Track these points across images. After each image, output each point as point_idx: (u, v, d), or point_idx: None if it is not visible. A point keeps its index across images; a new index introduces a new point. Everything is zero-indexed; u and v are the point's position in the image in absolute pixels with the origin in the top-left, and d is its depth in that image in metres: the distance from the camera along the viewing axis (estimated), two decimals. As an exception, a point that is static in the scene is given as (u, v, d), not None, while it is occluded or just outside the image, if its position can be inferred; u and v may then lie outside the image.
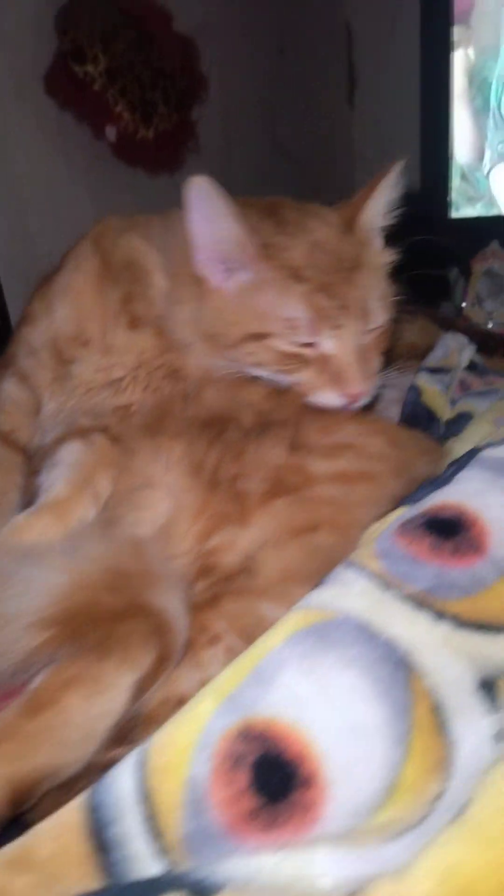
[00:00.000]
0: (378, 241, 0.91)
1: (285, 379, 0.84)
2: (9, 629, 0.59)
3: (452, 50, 2.61)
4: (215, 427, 0.81)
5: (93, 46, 1.91)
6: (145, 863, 0.45)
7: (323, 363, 0.82)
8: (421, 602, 0.54)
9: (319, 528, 0.69)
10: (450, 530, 0.59)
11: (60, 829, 0.46)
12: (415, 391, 1.00)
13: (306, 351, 0.82)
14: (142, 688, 0.62)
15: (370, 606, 0.54)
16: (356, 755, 0.47)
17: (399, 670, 0.50)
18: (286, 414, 0.83)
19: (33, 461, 0.92)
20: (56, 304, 0.92)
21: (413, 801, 0.44)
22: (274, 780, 0.46)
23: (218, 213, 0.77)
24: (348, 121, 2.80)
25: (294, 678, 0.50)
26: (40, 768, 0.57)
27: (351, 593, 0.55)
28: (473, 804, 0.38)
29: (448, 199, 2.69)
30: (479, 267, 2.15)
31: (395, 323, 1.23)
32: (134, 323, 0.89)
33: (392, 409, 1.05)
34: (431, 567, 0.56)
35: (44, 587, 0.62)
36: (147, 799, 0.47)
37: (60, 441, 0.89)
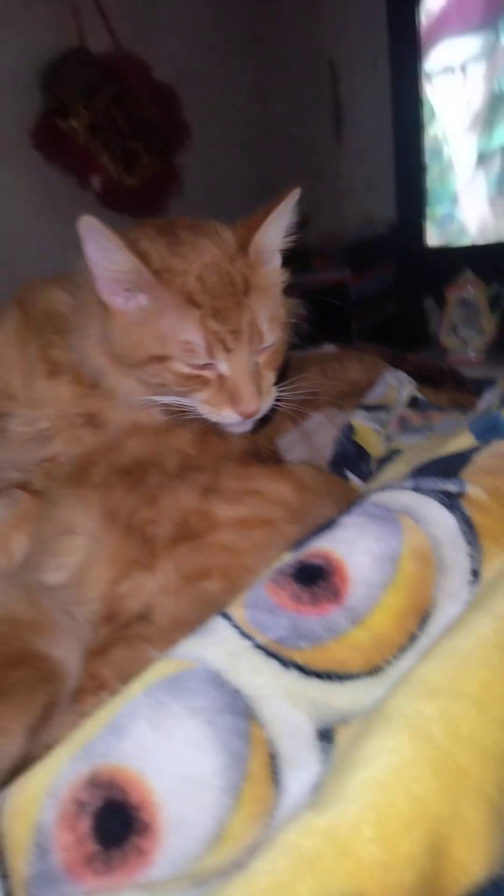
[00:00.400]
0: (273, 263, 0.95)
1: (186, 399, 0.89)
2: None
3: (420, 80, 2.63)
4: (136, 473, 0.85)
5: (75, 102, 2.01)
6: (-9, 904, 0.48)
7: (220, 383, 0.87)
8: (271, 651, 0.56)
9: (211, 575, 0.72)
10: (312, 578, 0.61)
11: None
12: (348, 429, 1.03)
13: (205, 372, 0.87)
14: (33, 732, 0.65)
15: (224, 656, 0.57)
16: (189, 804, 0.49)
17: (240, 720, 0.53)
18: (208, 460, 0.87)
19: None
20: None
21: (232, 850, 0.47)
22: (114, 825, 0.49)
23: (109, 246, 0.81)
24: (336, 156, 2.85)
25: (144, 728, 0.53)
26: None
27: (210, 642, 0.58)
28: (256, 856, 0.41)
29: (423, 228, 2.70)
30: (453, 296, 2.17)
31: (339, 361, 1.27)
32: (52, 371, 0.95)
33: (330, 447, 1.08)
34: (287, 615, 0.59)
35: None
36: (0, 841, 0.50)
37: None
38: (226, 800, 0.49)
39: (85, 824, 0.50)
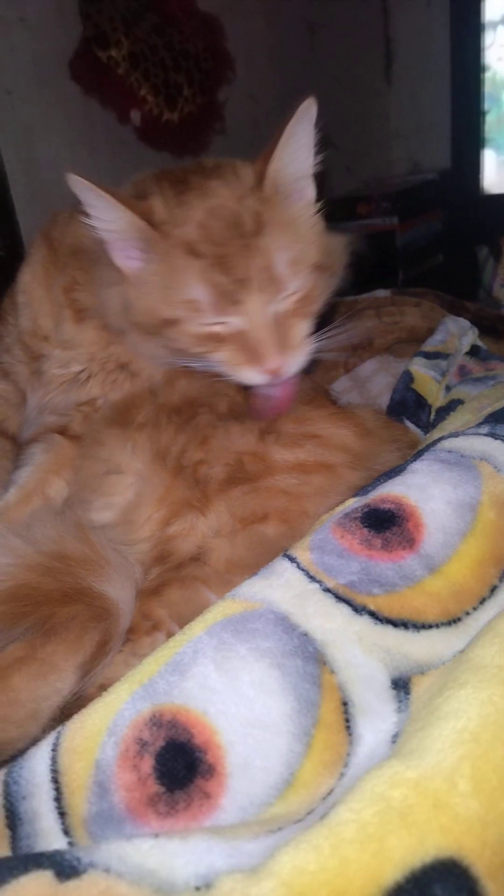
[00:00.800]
0: (301, 193, 0.81)
1: (207, 361, 0.79)
2: None
3: (484, 23, 2.50)
4: (185, 412, 0.81)
5: (115, 30, 1.92)
6: (50, 839, 0.47)
7: (238, 340, 0.76)
8: (342, 595, 0.54)
9: (269, 519, 0.69)
10: (384, 523, 0.58)
11: (-21, 803, 0.49)
12: (406, 376, 0.98)
13: (219, 329, 0.76)
14: (85, 670, 0.63)
15: (292, 598, 0.54)
16: (257, 748, 0.47)
17: (310, 664, 0.50)
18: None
19: (21, 451, 0.95)
20: (16, 301, 0.94)
21: (304, 799, 0.45)
22: (178, 766, 0.47)
23: (101, 204, 0.74)
24: (385, 98, 2.72)
25: (208, 668, 0.51)
26: (-14, 743, 0.60)
27: (276, 584, 0.56)
28: (338, 805, 0.38)
29: (479, 176, 2.59)
30: (509, 246, 2.08)
31: (396, 306, 1.21)
32: (78, 316, 0.88)
33: (385, 396, 1.04)
34: (358, 560, 0.56)
35: (-12, 568, 0.64)
36: (57, 778, 0.49)
37: (29, 441, 0.91)
38: (296, 746, 0.47)
39: (147, 764, 0.48)
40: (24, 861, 0.40)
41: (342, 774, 0.45)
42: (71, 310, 0.89)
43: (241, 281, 0.73)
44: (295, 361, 0.77)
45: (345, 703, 0.49)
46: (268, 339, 0.75)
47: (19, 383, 0.96)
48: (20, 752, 0.62)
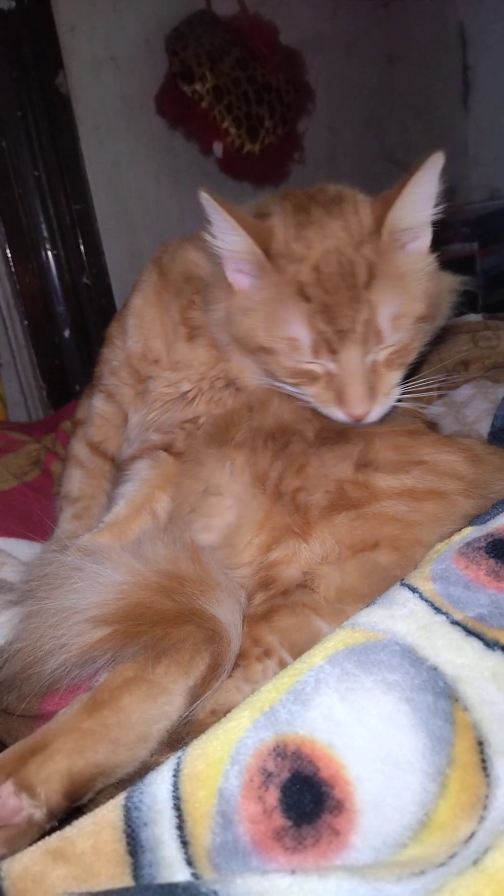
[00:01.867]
0: (418, 242, 0.81)
1: (297, 391, 0.81)
2: (70, 622, 0.62)
3: None
4: (280, 439, 0.81)
5: (200, 66, 1.97)
6: (173, 868, 0.46)
7: (330, 381, 0.78)
8: (472, 629, 0.51)
9: (380, 546, 0.67)
10: (512, 555, 0.56)
11: (99, 826, 0.48)
12: (507, 404, 0.95)
13: (313, 367, 0.78)
14: (195, 694, 0.63)
15: (417, 630, 0.52)
16: (389, 786, 0.45)
17: (441, 700, 0.48)
18: (356, 430, 0.82)
19: (122, 470, 0.97)
20: (126, 325, 0.97)
21: (442, 841, 0.42)
22: (304, 800, 0.46)
23: (223, 225, 0.76)
24: (462, 124, 2.71)
25: (332, 699, 0.50)
26: (96, 764, 0.60)
27: (399, 615, 0.54)
28: (493, 851, 0.36)
29: None
30: None
31: (492, 330, 1.19)
32: (191, 335, 0.90)
33: (484, 422, 1.01)
34: (486, 593, 0.54)
35: (104, 585, 0.64)
36: (179, 806, 0.48)
37: (133, 458, 0.92)
38: (430, 785, 0.45)
39: (273, 796, 0.47)
40: (160, 892, 0.39)
41: (482, 818, 0.43)
42: (185, 328, 0.91)
43: (343, 332, 0.75)
44: (380, 410, 0.79)
45: (480, 743, 0.46)
46: (358, 388, 0.77)
47: (123, 405, 0.98)
48: (128, 777, 0.63)
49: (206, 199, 0.75)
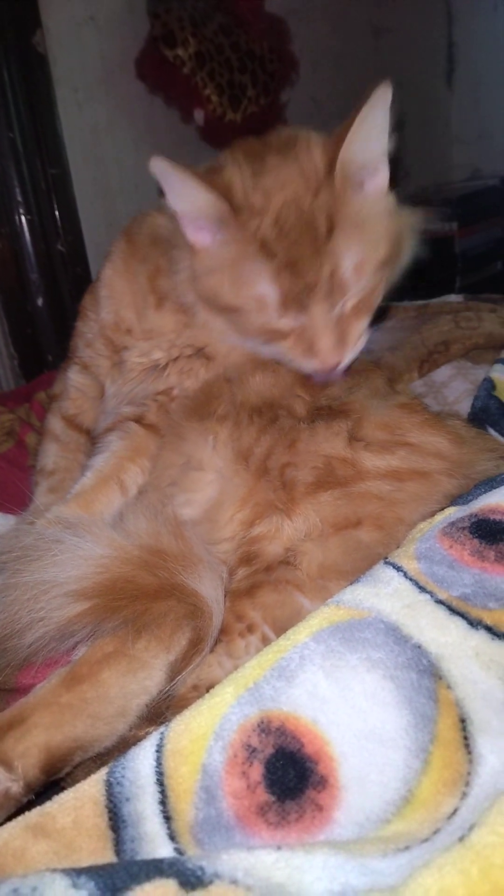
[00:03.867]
0: (376, 178, 0.78)
1: (269, 347, 0.80)
2: (49, 595, 0.61)
3: None
4: (267, 414, 0.80)
5: (183, 30, 1.92)
6: (156, 843, 0.46)
7: (299, 335, 0.77)
8: (455, 608, 0.52)
9: (363, 524, 0.67)
10: (497, 535, 0.56)
11: (80, 801, 0.48)
12: (488, 383, 0.95)
13: (281, 325, 0.77)
14: (176, 669, 0.62)
15: (402, 608, 0.52)
16: (372, 762, 0.46)
17: (425, 678, 0.48)
18: (350, 405, 0.81)
19: (95, 443, 0.95)
20: (98, 296, 0.95)
21: (425, 817, 0.43)
22: (288, 776, 0.46)
23: (183, 186, 0.74)
24: (446, 103, 2.69)
25: (316, 676, 0.50)
26: (74, 739, 0.59)
27: (384, 593, 0.54)
28: (480, 828, 0.37)
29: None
30: None
31: (474, 311, 1.19)
32: (159, 303, 0.89)
33: (463, 403, 1.01)
34: (471, 572, 0.54)
35: (84, 558, 0.63)
36: (162, 781, 0.48)
37: (106, 430, 0.91)
38: (413, 762, 0.45)
39: (257, 771, 0.47)
40: (145, 868, 0.39)
41: (465, 794, 0.43)
42: (154, 296, 0.89)
43: (310, 286, 0.74)
44: (350, 357, 0.80)
45: (462, 720, 0.47)
46: (327, 339, 0.77)
47: (99, 376, 0.96)
48: (106, 750, 0.62)
49: (157, 165, 0.73)
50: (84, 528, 0.67)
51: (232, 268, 0.77)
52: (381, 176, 0.79)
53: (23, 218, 1.76)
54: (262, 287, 0.75)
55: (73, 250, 1.84)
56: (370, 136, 0.75)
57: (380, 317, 0.86)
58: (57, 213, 1.81)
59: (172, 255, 0.85)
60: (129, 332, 0.92)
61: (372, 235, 0.76)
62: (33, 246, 1.78)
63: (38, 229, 1.78)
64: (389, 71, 2.48)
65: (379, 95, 0.73)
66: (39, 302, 1.81)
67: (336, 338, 0.77)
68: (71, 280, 1.82)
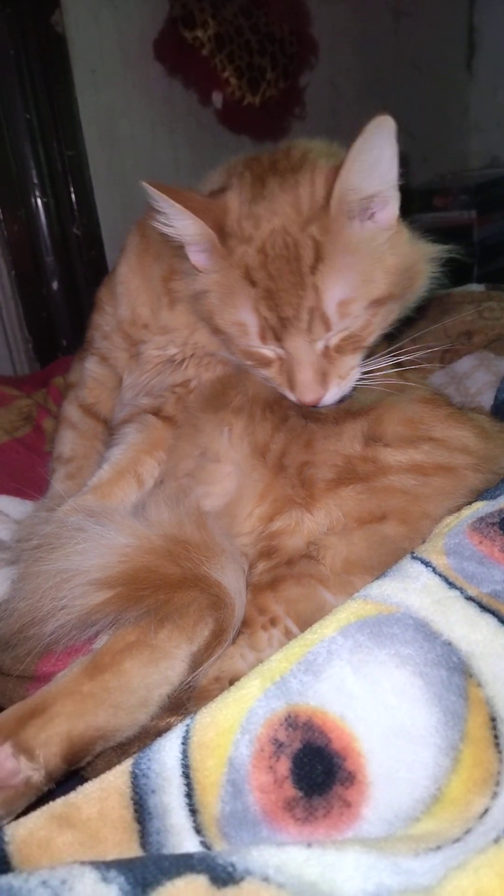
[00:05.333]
0: (372, 212, 0.73)
1: (256, 372, 0.79)
2: (72, 583, 0.61)
3: None
4: (278, 411, 0.79)
5: (202, 11, 1.90)
6: (181, 836, 0.45)
7: (283, 365, 0.75)
8: (486, 605, 0.51)
9: (387, 519, 0.66)
10: (526, 532, 0.55)
11: (105, 792, 0.47)
12: (512, 377, 0.95)
13: (265, 352, 0.76)
14: (198, 660, 0.62)
15: (431, 604, 0.52)
16: (401, 759, 0.45)
17: (455, 675, 0.48)
18: (366, 405, 0.80)
19: (113, 434, 0.95)
20: (114, 292, 0.94)
21: (455, 816, 0.42)
22: (316, 771, 0.46)
23: (173, 211, 0.72)
24: (466, 89, 2.65)
25: (344, 671, 0.49)
26: (96, 728, 0.59)
27: (413, 588, 0.53)
28: (517, 829, 0.36)
29: None
30: None
31: (497, 301, 1.17)
32: (172, 304, 0.88)
33: (486, 395, 1.00)
34: (502, 569, 0.53)
35: (107, 547, 0.63)
36: (188, 774, 0.47)
37: (123, 422, 0.91)
38: (443, 760, 0.45)
39: (284, 766, 0.46)
40: (175, 862, 0.39)
41: (496, 794, 0.43)
42: (167, 297, 0.89)
43: (287, 320, 0.72)
44: (335, 394, 0.75)
45: (493, 719, 0.46)
46: (305, 374, 0.73)
47: (117, 368, 0.96)
48: (127, 740, 0.62)
49: (148, 188, 0.71)
50: (106, 517, 0.66)
51: (220, 292, 0.76)
52: (389, 209, 0.74)
53: (38, 200, 1.74)
54: (244, 314, 0.74)
55: (88, 234, 1.82)
56: (371, 167, 0.70)
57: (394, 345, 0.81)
58: (73, 195, 1.79)
59: (184, 267, 0.83)
60: (145, 327, 0.92)
61: (364, 272, 0.72)
62: (48, 229, 1.77)
63: (54, 212, 1.77)
64: (408, 55, 2.46)
65: (373, 128, 0.68)
66: (54, 285, 1.79)
67: (316, 373, 0.73)
68: (86, 264, 1.81)
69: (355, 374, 0.77)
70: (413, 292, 0.79)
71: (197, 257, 0.77)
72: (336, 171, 0.70)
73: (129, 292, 0.93)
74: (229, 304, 0.75)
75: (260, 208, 0.73)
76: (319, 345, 0.74)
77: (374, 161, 0.70)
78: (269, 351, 0.75)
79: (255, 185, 0.75)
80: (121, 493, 0.84)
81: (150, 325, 0.91)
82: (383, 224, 0.74)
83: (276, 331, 0.72)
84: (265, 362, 0.77)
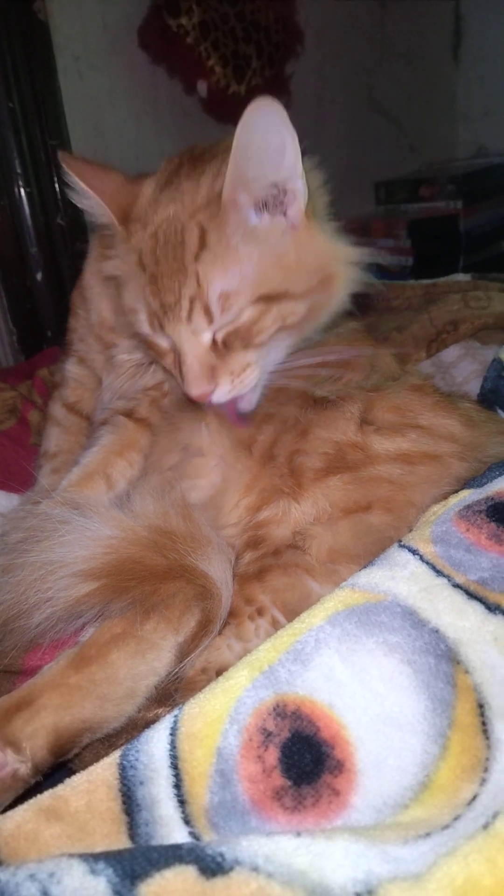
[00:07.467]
0: (268, 205, 0.70)
1: (159, 364, 0.80)
2: (56, 575, 0.60)
3: None
4: (258, 415, 0.78)
5: (187, -2, 1.87)
6: (170, 827, 0.45)
7: (174, 356, 0.74)
8: (473, 593, 0.51)
9: (373, 508, 0.66)
10: (513, 519, 0.55)
11: (93, 784, 0.47)
12: (497, 364, 0.94)
13: (158, 341, 0.75)
14: (184, 651, 0.62)
15: (419, 592, 0.52)
16: (390, 747, 0.45)
17: (443, 663, 0.48)
18: (357, 391, 0.80)
19: (92, 434, 0.95)
20: (84, 295, 0.96)
21: (444, 803, 0.42)
22: (304, 760, 0.46)
23: (80, 190, 0.75)
24: (452, 78, 2.64)
25: (332, 659, 0.49)
26: (83, 720, 0.59)
27: (400, 576, 0.53)
28: (503, 816, 0.36)
29: None
30: None
31: (483, 291, 1.17)
32: None
33: (472, 384, 1.00)
34: (489, 556, 0.53)
35: (92, 539, 0.62)
36: (177, 765, 0.47)
37: (99, 424, 0.91)
38: (431, 747, 0.45)
39: (272, 756, 0.46)
40: (164, 854, 0.38)
41: (484, 780, 0.43)
42: None
43: (168, 307, 0.70)
44: (225, 392, 0.73)
45: (480, 706, 0.46)
46: (192, 368, 0.71)
47: (95, 369, 0.98)
48: (115, 731, 0.62)
49: (62, 158, 0.73)
50: (91, 509, 0.66)
51: (122, 277, 0.77)
52: (296, 203, 0.71)
53: (22, 190, 1.72)
54: (136, 300, 0.74)
55: (73, 224, 1.80)
56: (257, 155, 0.66)
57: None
58: (57, 185, 1.77)
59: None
60: (112, 331, 0.93)
61: (258, 265, 0.70)
62: (32, 219, 1.75)
63: (38, 202, 1.75)
64: (395, 43, 2.44)
65: (253, 112, 0.63)
66: (39, 276, 1.78)
67: (203, 367, 0.71)
68: (71, 255, 1.79)
69: (252, 373, 0.73)
70: (329, 295, 0.77)
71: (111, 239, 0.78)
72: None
73: (94, 297, 0.94)
74: (127, 290, 0.75)
75: (164, 195, 0.73)
76: (205, 337, 0.71)
77: (260, 148, 0.65)
78: (162, 340, 0.75)
79: (173, 172, 0.75)
80: (90, 494, 0.83)
81: (116, 328, 0.92)
82: (290, 219, 0.72)
83: (159, 318, 0.72)
84: (161, 353, 0.77)
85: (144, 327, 0.75)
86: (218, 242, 0.69)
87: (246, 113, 0.63)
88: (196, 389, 0.71)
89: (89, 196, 0.74)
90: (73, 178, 0.74)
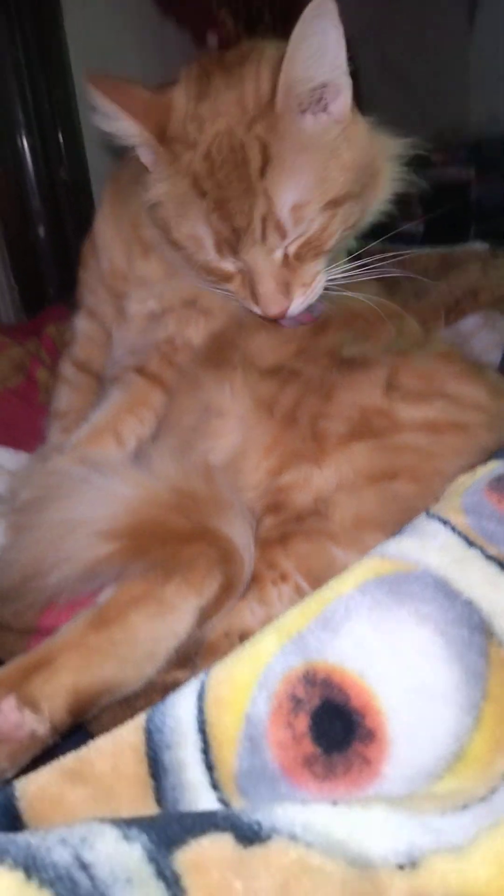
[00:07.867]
0: (322, 103, 0.68)
1: (219, 288, 0.77)
2: (76, 535, 0.59)
3: None
4: (284, 371, 0.77)
5: None
6: (198, 792, 0.45)
7: (244, 278, 0.72)
8: (507, 565, 0.50)
9: (399, 476, 0.65)
10: (546, 491, 0.54)
11: (118, 747, 0.46)
12: (520, 335, 0.93)
13: (224, 265, 0.73)
14: (206, 614, 0.61)
15: (451, 563, 0.51)
16: (422, 717, 0.45)
17: (476, 634, 0.47)
18: (382, 354, 0.78)
19: (102, 391, 0.93)
20: (95, 244, 0.92)
21: (479, 774, 0.42)
22: (335, 728, 0.45)
23: (112, 113, 0.68)
24: (466, 42, 2.57)
25: (363, 628, 0.48)
26: (102, 681, 0.58)
27: (431, 546, 0.52)
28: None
29: None
30: None
31: (500, 258, 1.15)
32: (145, 252, 0.85)
33: (493, 353, 0.99)
34: (522, 529, 0.52)
35: (113, 498, 0.61)
36: (205, 730, 0.46)
37: (111, 381, 0.89)
38: (465, 718, 0.44)
39: (303, 723, 0.45)
40: (199, 820, 0.38)
41: (519, 753, 0.43)
42: (139, 245, 0.86)
43: (241, 230, 0.68)
44: (300, 304, 0.73)
45: (514, 678, 0.46)
46: (266, 286, 0.71)
47: (105, 324, 0.95)
48: (133, 694, 0.61)
49: (92, 80, 0.67)
50: (111, 469, 0.65)
51: (172, 203, 0.72)
52: (343, 97, 0.69)
53: (24, 140, 1.67)
54: (198, 227, 0.70)
55: (77, 178, 1.75)
56: (316, 54, 0.64)
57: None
58: (61, 137, 1.72)
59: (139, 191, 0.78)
60: (124, 279, 0.90)
61: (321, 170, 0.68)
62: (35, 172, 1.70)
63: (41, 154, 1.69)
64: (410, 6, 2.38)
65: (313, 10, 0.62)
66: (41, 231, 1.73)
67: (278, 284, 0.71)
68: (74, 210, 1.75)
69: (321, 281, 0.74)
70: (375, 193, 0.76)
71: (147, 159, 0.73)
72: (280, 62, 0.65)
73: (106, 243, 0.91)
74: (182, 216, 0.71)
75: (204, 108, 0.68)
76: (278, 254, 0.71)
77: (319, 46, 0.64)
78: (228, 265, 0.73)
79: (200, 80, 0.71)
80: (100, 451, 0.82)
81: (129, 276, 0.89)
82: (337, 116, 0.70)
83: (231, 243, 0.69)
84: (226, 277, 0.74)
85: (210, 254, 0.72)
86: (280, 153, 0.66)
87: (306, 13, 0.62)
88: (275, 307, 0.71)
89: (121, 117, 0.68)
90: (105, 100, 0.68)
